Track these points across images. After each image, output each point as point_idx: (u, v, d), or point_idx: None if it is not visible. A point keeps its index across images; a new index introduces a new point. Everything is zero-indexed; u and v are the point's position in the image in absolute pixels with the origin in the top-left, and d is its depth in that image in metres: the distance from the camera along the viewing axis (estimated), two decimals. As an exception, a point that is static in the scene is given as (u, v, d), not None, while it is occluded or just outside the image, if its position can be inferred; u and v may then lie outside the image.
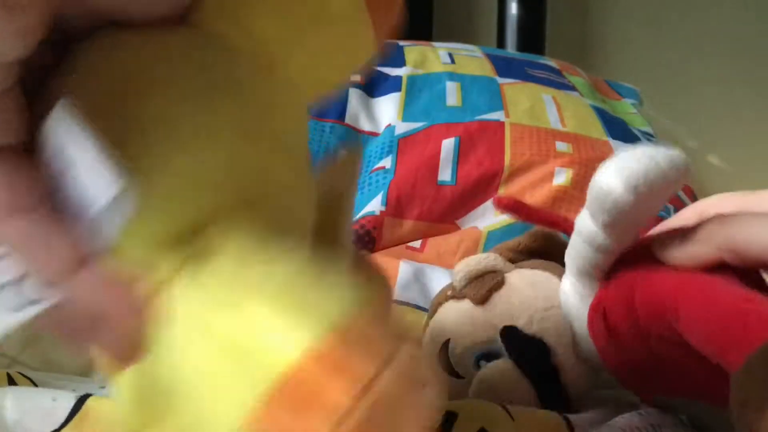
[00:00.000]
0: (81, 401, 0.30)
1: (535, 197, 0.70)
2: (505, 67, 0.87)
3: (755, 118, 1.37)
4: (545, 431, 0.30)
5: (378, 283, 0.23)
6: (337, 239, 0.23)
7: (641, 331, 0.30)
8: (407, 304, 0.56)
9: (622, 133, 0.82)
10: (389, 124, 0.77)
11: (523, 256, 0.42)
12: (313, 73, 0.21)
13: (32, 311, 0.17)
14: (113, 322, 0.17)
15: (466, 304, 0.39)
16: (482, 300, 0.38)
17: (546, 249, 0.42)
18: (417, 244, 0.68)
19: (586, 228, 0.31)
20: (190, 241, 0.17)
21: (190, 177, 0.17)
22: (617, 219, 0.30)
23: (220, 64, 0.19)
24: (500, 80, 0.84)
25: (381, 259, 0.63)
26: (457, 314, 0.39)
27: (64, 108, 0.16)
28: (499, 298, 0.38)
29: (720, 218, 0.28)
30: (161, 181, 0.17)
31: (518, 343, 0.36)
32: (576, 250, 0.33)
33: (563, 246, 0.36)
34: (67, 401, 0.30)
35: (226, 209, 0.18)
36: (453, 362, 0.38)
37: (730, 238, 0.27)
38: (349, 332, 0.15)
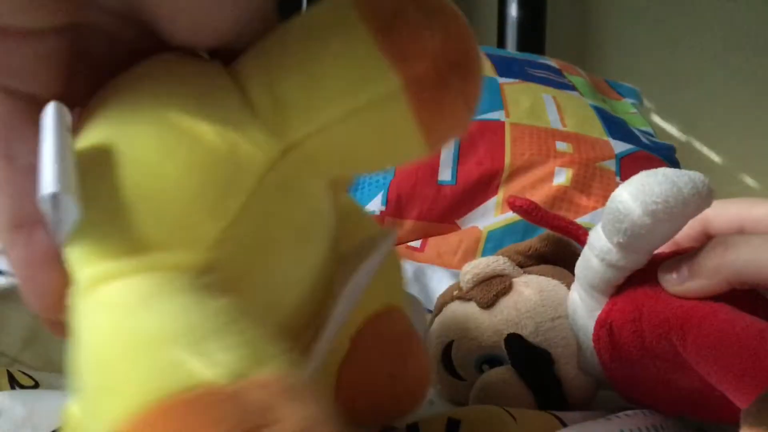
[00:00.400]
0: None
1: (535, 197, 0.70)
2: (505, 67, 0.87)
3: (755, 116, 1.37)
4: (543, 430, 0.30)
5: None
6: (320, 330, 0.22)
7: (647, 350, 0.30)
8: (407, 303, 0.56)
9: (623, 132, 0.82)
10: (389, 124, 0.77)
11: (532, 260, 0.42)
12: (337, 153, 0.20)
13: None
14: (28, 289, 0.18)
15: (471, 307, 0.38)
16: (488, 304, 0.38)
17: (556, 255, 0.41)
18: (417, 243, 0.68)
19: (599, 244, 0.31)
20: (130, 257, 0.17)
21: (156, 199, 0.18)
22: (632, 241, 0.29)
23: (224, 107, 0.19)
24: (500, 80, 0.84)
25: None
26: (462, 316, 0.39)
27: (59, 105, 0.18)
28: (506, 303, 0.38)
29: (723, 246, 0.28)
30: (120, 198, 0.18)
31: (521, 352, 0.36)
32: (587, 264, 0.32)
33: (574, 253, 0.35)
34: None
35: (181, 241, 0.18)
36: (455, 364, 0.38)
37: (737, 270, 0.27)
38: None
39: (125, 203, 0.18)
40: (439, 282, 0.60)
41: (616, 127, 0.82)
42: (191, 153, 0.18)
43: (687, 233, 0.32)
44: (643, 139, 0.84)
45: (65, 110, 0.18)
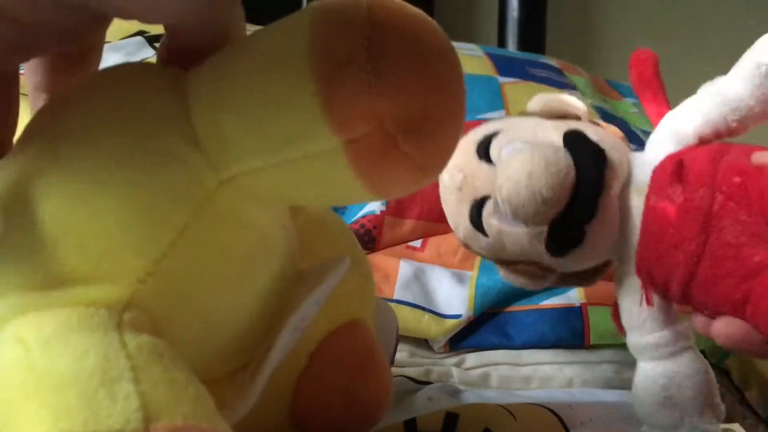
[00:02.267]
0: None
1: (535, 197, 0.70)
2: (505, 67, 0.87)
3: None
4: (544, 430, 0.30)
5: None
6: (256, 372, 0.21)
7: (715, 185, 0.31)
8: (407, 303, 0.56)
9: (623, 132, 0.81)
10: (390, 124, 0.77)
11: None
12: (276, 189, 0.19)
13: None
14: None
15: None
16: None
17: None
18: (417, 243, 0.68)
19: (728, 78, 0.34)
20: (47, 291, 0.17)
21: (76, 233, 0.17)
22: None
23: (162, 134, 0.18)
24: (501, 79, 0.83)
25: (381, 258, 0.63)
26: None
27: None
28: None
29: None
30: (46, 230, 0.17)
31: (580, 144, 0.37)
32: (702, 100, 0.35)
33: None
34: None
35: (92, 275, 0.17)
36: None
37: None
38: None
39: (47, 235, 0.17)
40: (439, 282, 0.59)
41: (617, 126, 0.82)
42: (121, 187, 0.18)
43: None
44: (644, 139, 0.83)
45: None
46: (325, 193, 0.20)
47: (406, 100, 0.17)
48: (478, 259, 0.65)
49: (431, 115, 0.17)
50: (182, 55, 0.20)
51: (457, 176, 0.38)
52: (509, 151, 0.36)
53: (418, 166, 0.18)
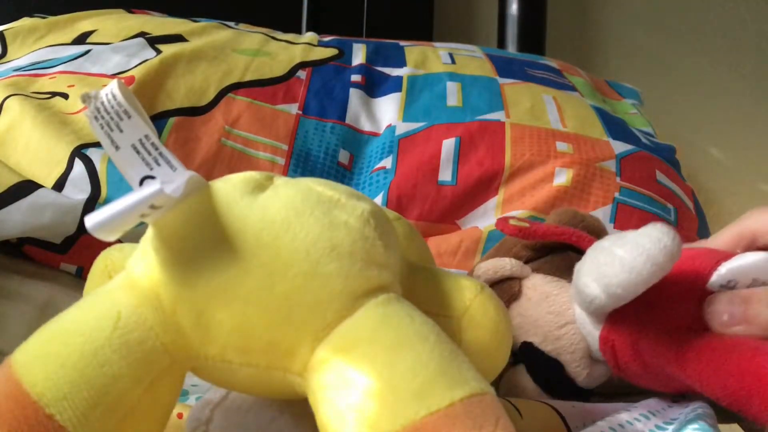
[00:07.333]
0: None
1: (535, 197, 0.70)
2: (505, 68, 0.87)
3: (758, 116, 1.37)
4: (547, 430, 0.30)
5: None
6: None
7: (648, 368, 0.31)
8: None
9: (623, 133, 0.82)
10: (390, 125, 0.77)
11: (540, 252, 0.43)
12: None
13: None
14: None
15: None
16: None
17: (562, 244, 0.43)
18: (417, 244, 0.68)
19: (578, 298, 0.33)
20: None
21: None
22: (604, 311, 0.31)
23: None
24: (501, 80, 0.84)
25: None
26: None
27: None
28: (517, 310, 0.40)
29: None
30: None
31: (535, 363, 0.39)
32: (576, 301, 0.33)
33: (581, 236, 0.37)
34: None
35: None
36: None
37: None
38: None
39: None
40: (440, 282, 0.59)
41: (617, 127, 0.82)
42: None
43: (732, 246, 0.32)
44: (644, 140, 0.84)
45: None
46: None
47: None
48: (477, 259, 0.65)
49: None
50: None
51: None
52: None
53: None
